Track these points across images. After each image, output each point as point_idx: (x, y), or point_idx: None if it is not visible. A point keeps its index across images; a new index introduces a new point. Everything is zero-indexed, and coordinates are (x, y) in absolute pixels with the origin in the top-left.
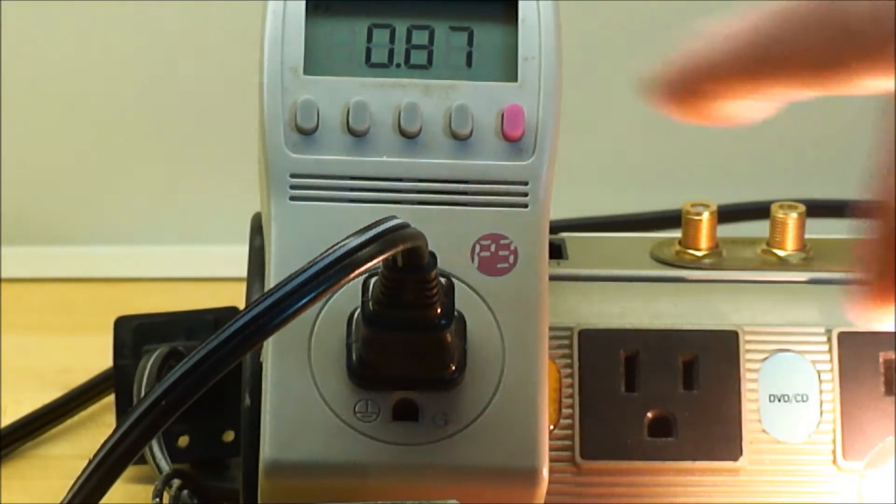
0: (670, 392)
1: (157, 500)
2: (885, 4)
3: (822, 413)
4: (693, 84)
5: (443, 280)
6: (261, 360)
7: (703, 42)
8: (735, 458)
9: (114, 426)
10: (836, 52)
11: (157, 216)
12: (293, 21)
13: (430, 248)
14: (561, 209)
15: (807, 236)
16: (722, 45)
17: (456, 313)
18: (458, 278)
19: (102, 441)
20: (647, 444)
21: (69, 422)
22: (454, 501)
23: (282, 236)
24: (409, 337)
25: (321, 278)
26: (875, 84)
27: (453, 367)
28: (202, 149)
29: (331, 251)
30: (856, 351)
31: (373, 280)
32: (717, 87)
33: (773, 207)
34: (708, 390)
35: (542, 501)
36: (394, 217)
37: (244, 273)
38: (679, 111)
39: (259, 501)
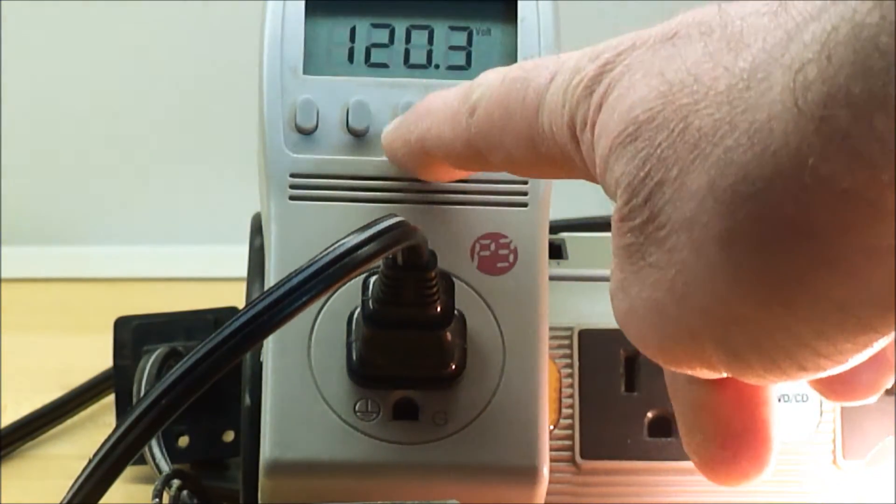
0: None
1: (157, 500)
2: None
3: (822, 413)
4: (425, 155)
5: (443, 279)
6: (261, 359)
7: (437, 120)
8: None
9: (114, 426)
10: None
11: (157, 216)
12: (293, 21)
13: (430, 247)
14: (561, 209)
15: None
16: (451, 131)
17: (456, 312)
18: (457, 277)
19: (102, 441)
20: (647, 444)
21: (69, 422)
22: (454, 501)
23: (282, 236)
24: (409, 336)
25: (321, 277)
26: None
27: (453, 366)
28: (202, 149)
29: (330, 249)
30: None
31: (373, 279)
32: (445, 163)
33: None
34: None
35: (542, 501)
36: (393, 215)
37: (244, 273)
38: (409, 170)
39: (259, 501)
